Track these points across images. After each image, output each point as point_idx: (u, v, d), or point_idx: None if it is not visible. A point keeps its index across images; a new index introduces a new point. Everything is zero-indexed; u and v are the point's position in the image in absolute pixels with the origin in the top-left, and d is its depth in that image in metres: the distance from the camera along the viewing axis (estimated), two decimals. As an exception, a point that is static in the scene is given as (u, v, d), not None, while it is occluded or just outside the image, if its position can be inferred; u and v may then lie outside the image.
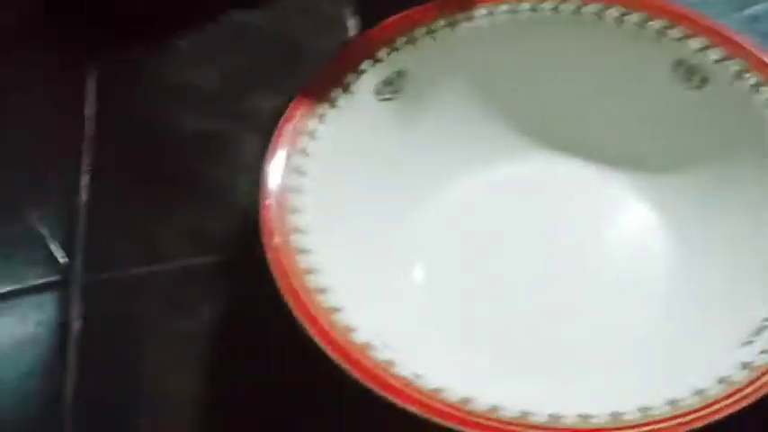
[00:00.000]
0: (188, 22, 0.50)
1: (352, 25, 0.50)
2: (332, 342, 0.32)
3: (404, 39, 0.42)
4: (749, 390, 0.31)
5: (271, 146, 0.37)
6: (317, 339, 0.32)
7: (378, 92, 0.41)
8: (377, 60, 0.41)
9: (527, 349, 0.38)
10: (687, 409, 0.31)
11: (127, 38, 0.49)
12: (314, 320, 0.33)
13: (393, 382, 0.32)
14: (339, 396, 0.34)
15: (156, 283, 0.41)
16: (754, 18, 0.51)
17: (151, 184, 0.45)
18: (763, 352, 0.33)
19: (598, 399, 0.33)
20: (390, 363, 0.32)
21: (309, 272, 0.34)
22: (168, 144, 0.46)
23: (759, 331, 0.34)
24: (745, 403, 0.31)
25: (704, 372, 0.33)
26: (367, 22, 0.47)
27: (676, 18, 0.42)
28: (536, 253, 0.41)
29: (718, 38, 0.41)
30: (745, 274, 0.38)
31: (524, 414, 0.31)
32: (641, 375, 0.36)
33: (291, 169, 0.37)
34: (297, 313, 0.33)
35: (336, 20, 0.51)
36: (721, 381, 0.32)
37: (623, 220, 0.43)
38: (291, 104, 0.39)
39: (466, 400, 0.32)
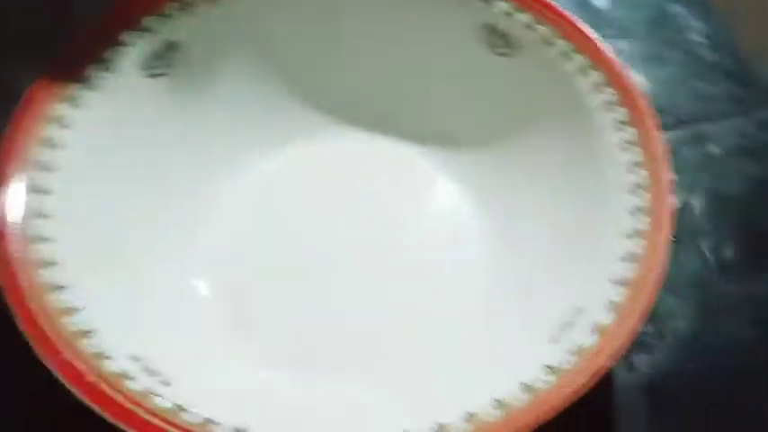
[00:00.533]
0: None
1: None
2: (74, 375, 0.27)
3: (176, 4, 0.36)
4: (554, 399, 0.28)
5: (3, 150, 0.31)
6: (59, 374, 0.27)
7: (145, 66, 0.35)
8: (143, 30, 0.35)
9: (317, 352, 0.34)
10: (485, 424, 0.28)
11: None
12: (54, 351, 0.27)
13: (148, 417, 0.27)
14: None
15: None
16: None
17: None
18: (571, 353, 0.29)
19: (390, 411, 0.29)
20: (145, 394, 0.27)
21: (54, 289, 0.29)
22: None
23: (564, 327, 0.31)
24: (550, 415, 0.28)
25: (506, 377, 0.29)
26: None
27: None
28: (342, 244, 0.37)
29: (526, 2, 0.37)
30: (556, 257, 0.35)
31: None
32: (439, 380, 0.32)
33: (35, 166, 0.31)
34: (33, 342, 0.28)
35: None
36: (524, 388, 0.28)
37: (434, 201, 0.39)
38: (31, 87, 0.33)
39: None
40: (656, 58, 0.46)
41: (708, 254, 0.39)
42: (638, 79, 0.44)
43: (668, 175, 0.33)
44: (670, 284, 0.37)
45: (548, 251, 0.35)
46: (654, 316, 0.37)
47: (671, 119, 0.43)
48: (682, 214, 0.40)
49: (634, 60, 0.45)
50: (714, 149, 0.43)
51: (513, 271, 0.35)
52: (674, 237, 0.38)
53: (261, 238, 0.37)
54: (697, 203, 0.41)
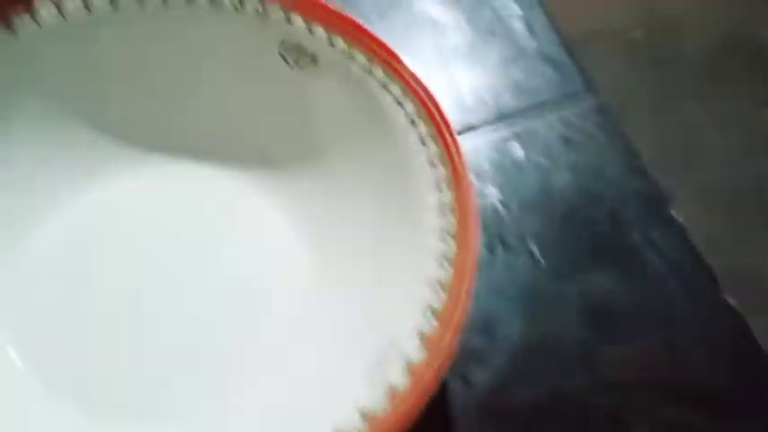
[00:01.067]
0: None
1: None
2: None
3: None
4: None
5: None
6: None
7: None
8: None
9: (131, 396, 0.33)
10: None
11: None
12: None
13: None
14: None
15: None
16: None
17: None
18: (383, 394, 0.29)
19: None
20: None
21: None
22: None
23: (379, 363, 0.30)
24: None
25: (318, 421, 0.29)
26: None
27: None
28: (157, 281, 0.36)
29: (323, 16, 0.36)
30: (370, 284, 0.34)
31: None
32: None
33: None
34: None
35: None
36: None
37: (250, 227, 0.38)
38: None
39: None
40: (476, 48, 0.45)
41: (537, 254, 0.39)
42: (457, 73, 0.44)
43: (472, 194, 0.32)
44: (499, 289, 0.37)
45: (360, 278, 0.34)
46: (486, 324, 0.37)
47: (493, 113, 0.43)
48: (506, 215, 0.40)
49: (457, 53, 0.44)
50: (539, 143, 0.42)
51: (332, 303, 0.34)
52: (502, 239, 0.38)
53: (70, 295, 0.35)
54: (517, 203, 0.40)
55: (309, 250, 0.36)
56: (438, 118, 0.33)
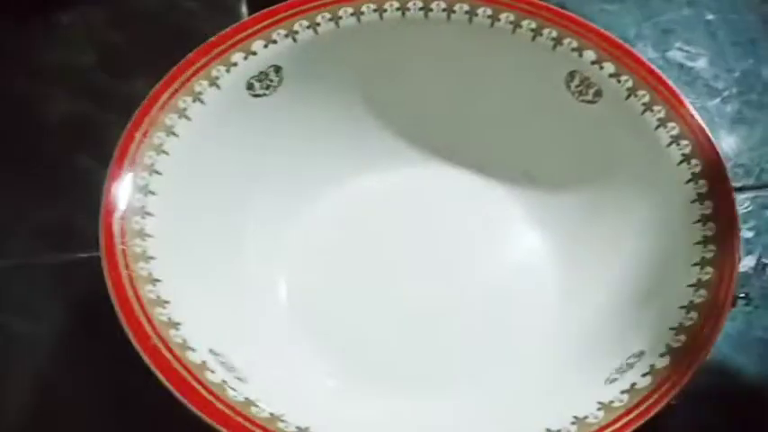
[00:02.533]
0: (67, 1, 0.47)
1: (246, 14, 0.47)
2: (160, 360, 0.30)
3: (282, 31, 0.39)
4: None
5: (119, 148, 0.34)
6: (145, 357, 0.30)
7: (250, 87, 0.38)
8: (250, 53, 0.38)
9: (387, 368, 0.36)
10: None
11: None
12: (145, 337, 0.30)
13: (221, 407, 0.29)
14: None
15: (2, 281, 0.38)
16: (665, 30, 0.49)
17: (10, 172, 0.41)
18: (623, 392, 0.31)
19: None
20: (222, 386, 0.30)
21: (148, 281, 0.32)
22: (34, 128, 0.43)
23: (623, 369, 0.32)
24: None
25: (561, 411, 0.31)
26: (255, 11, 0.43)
27: (572, 27, 0.39)
28: (415, 267, 0.39)
29: (613, 51, 0.39)
30: (623, 303, 0.36)
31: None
32: (500, 408, 0.33)
33: (142, 168, 0.34)
34: (126, 326, 0.30)
35: (229, 7, 0.48)
36: (575, 421, 0.30)
37: (508, 238, 0.41)
38: (149, 96, 0.36)
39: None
40: (744, 118, 0.46)
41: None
42: (724, 138, 0.45)
43: (737, 233, 0.34)
44: (739, 343, 0.38)
45: (614, 297, 0.36)
46: (721, 371, 0.38)
47: (754, 179, 0.44)
48: (757, 274, 0.41)
49: (723, 119, 0.46)
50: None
51: (581, 312, 0.36)
52: (747, 296, 0.39)
53: (343, 255, 0.39)
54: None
55: (561, 263, 0.39)
56: (713, 157, 0.35)
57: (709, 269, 0.33)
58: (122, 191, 0.33)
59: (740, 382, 0.38)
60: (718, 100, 0.47)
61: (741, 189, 0.43)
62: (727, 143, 0.45)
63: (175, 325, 0.31)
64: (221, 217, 0.36)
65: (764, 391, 0.38)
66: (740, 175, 0.44)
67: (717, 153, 0.36)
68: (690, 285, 0.33)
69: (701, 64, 0.48)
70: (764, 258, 0.41)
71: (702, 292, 0.32)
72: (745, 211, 0.43)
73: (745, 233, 0.42)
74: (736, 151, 0.45)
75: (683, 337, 0.31)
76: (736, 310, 0.40)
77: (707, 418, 0.37)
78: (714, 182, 0.35)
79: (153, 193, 0.34)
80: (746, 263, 0.41)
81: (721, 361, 0.38)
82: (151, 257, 0.32)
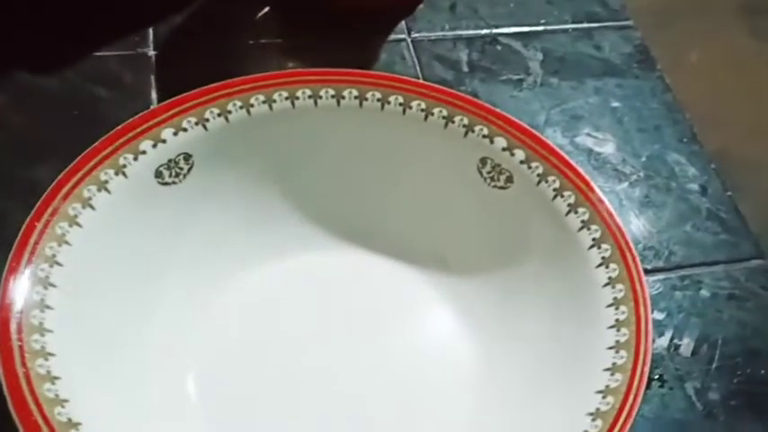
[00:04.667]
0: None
1: (155, 99, 0.47)
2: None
3: (192, 119, 0.38)
4: None
5: (12, 256, 0.33)
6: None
7: (158, 175, 0.37)
8: (159, 141, 0.37)
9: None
10: None
11: None
12: (40, 438, 0.28)
13: None
14: None
15: None
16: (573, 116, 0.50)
17: None
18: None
19: None
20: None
21: (48, 379, 0.30)
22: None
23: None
24: None
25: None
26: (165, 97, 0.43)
27: (482, 114, 0.40)
28: (330, 354, 0.38)
29: (523, 138, 0.40)
30: (538, 387, 0.35)
31: None
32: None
33: (37, 280, 0.33)
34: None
35: (138, 90, 0.47)
36: None
37: (425, 321, 0.41)
38: (52, 186, 0.35)
39: None
40: (651, 202, 0.47)
41: (693, 397, 0.40)
42: (633, 222, 0.46)
43: (648, 315, 0.34)
44: (656, 426, 0.38)
45: (531, 381, 0.35)
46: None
47: (663, 262, 0.45)
48: (670, 355, 0.41)
49: (631, 203, 0.47)
50: (705, 294, 0.44)
51: (498, 399, 0.36)
52: (661, 377, 0.40)
53: (254, 344, 0.38)
54: (685, 345, 0.42)
55: (477, 345, 0.38)
56: (622, 241, 0.36)
57: (623, 353, 0.33)
58: (20, 286, 0.32)
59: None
60: (626, 184, 0.48)
61: (651, 271, 0.44)
62: (635, 226, 0.46)
63: (75, 425, 0.29)
64: (126, 311, 0.35)
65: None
66: (650, 258, 0.45)
67: (626, 238, 0.36)
68: (605, 369, 0.33)
69: (608, 149, 0.49)
70: (676, 340, 0.42)
71: (618, 375, 0.32)
72: (656, 292, 0.43)
73: (657, 315, 0.42)
74: (645, 234, 0.46)
75: (599, 423, 0.31)
76: (651, 392, 0.40)
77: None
78: (624, 266, 0.35)
79: (53, 285, 0.33)
80: (659, 344, 0.41)
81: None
82: (51, 354, 0.31)
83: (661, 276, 0.44)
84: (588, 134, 0.50)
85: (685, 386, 0.40)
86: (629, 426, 0.31)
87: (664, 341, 0.42)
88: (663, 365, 0.41)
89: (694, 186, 0.48)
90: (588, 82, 0.53)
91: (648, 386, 0.40)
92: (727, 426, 0.39)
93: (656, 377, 0.40)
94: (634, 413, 0.31)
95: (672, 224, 0.46)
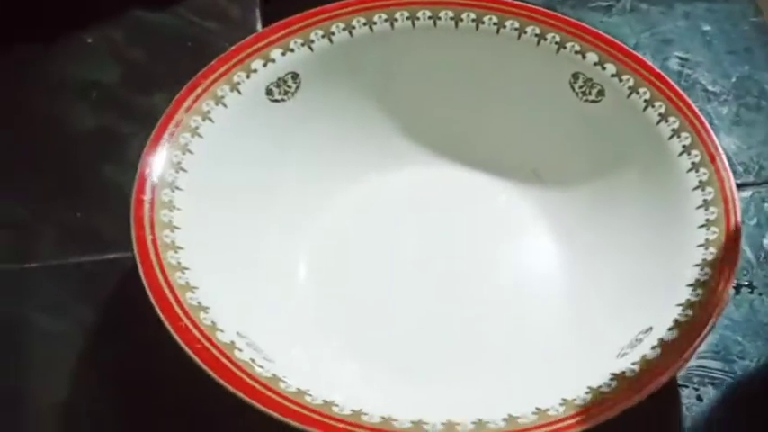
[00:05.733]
0: (88, 21, 0.49)
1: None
2: (191, 341, 0.31)
3: (299, 40, 0.41)
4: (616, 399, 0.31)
5: (150, 140, 0.36)
6: (177, 336, 0.31)
7: (269, 92, 0.40)
8: (269, 60, 0.40)
9: (407, 353, 0.37)
10: (553, 419, 0.30)
11: (20, 38, 0.48)
12: (176, 318, 0.32)
13: (251, 382, 0.30)
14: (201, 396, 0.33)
15: (32, 281, 0.40)
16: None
17: (41, 180, 0.43)
18: (634, 363, 0.32)
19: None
20: (250, 364, 0.31)
21: (177, 269, 0.33)
22: (62, 140, 0.45)
23: (634, 344, 0.33)
24: (612, 413, 0.30)
25: (575, 382, 0.32)
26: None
27: (574, 32, 0.41)
28: (429, 259, 0.41)
29: (614, 53, 0.41)
30: (631, 286, 0.37)
31: (387, 420, 0.30)
32: (518, 387, 0.35)
33: (170, 165, 0.36)
34: (159, 311, 0.32)
35: (245, 23, 0.50)
36: (589, 391, 0.31)
37: (518, 231, 0.42)
38: (175, 100, 0.38)
39: (328, 404, 0.30)
40: (742, 120, 0.48)
41: (781, 302, 0.41)
42: (723, 138, 0.47)
43: (737, 215, 0.35)
44: (742, 329, 0.40)
45: (624, 279, 0.37)
46: (725, 356, 0.39)
47: (754, 176, 0.46)
48: (759, 264, 0.42)
49: (721, 121, 0.48)
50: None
51: (593, 294, 0.38)
52: (750, 284, 0.41)
53: (360, 246, 0.41)
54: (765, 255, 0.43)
55: (570, 251, 0.40)
56: (710, 144, 0.37)
57: (712, 249, 0.35)
58: (152, 178, 0.35)
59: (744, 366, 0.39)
60: (716, 103, 0.49)
61: (742, 186, 0.45)
62: (726, 143, 0.47)
63: (204, 309, 0.32)
64: (244, 209, 0.38)
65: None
66: (740, 173, 0.46)
67: (715, 142, 0.37)
68: (695, 265, 0.34)
69: (698, 71, 0.50)
70: (766, 248, 0.43)
71: (707, 270, 0.34)
72: (746, 205, 0.44)
73: (747, 226, 0.43)
74: (735, 150, 0.46)
75: (689, 312, 0.33)
76: (740, 297, 0.41)
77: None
78: (714, 169, 0.37)
79: (180, 188, 0.36)
80: (749, 253, 0.42)
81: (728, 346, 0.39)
82: (180, 247, 0.34)
83: (751, 190, 0.45)
84: (678, 57, 0.51)
85: (775, 293, 0.41)
86: (718, 313, 0.32)
87: (754, 250, 0.43)
88: (752, 273, 0.42)
89: (785, 105, 0.49)
90: (677, 6, 0.53)
91: (738, 291, 0.41)
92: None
93: (746, 284, 0.42)
94: (723, 303, 0.33)
95: (762, 141, 0.47)
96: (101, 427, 0.36)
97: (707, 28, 0.52)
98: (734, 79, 0.50)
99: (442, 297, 0.39)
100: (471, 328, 0.39)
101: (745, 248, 0.43)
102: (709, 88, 0.49)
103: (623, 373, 0.32)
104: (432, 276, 0.40)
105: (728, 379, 0.39)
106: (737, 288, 0.41)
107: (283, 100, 0.40)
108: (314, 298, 0.38)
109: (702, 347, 0.36)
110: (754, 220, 0.44)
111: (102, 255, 0.41)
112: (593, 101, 0.41)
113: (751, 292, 0.41)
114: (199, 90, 0.38)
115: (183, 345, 0.31)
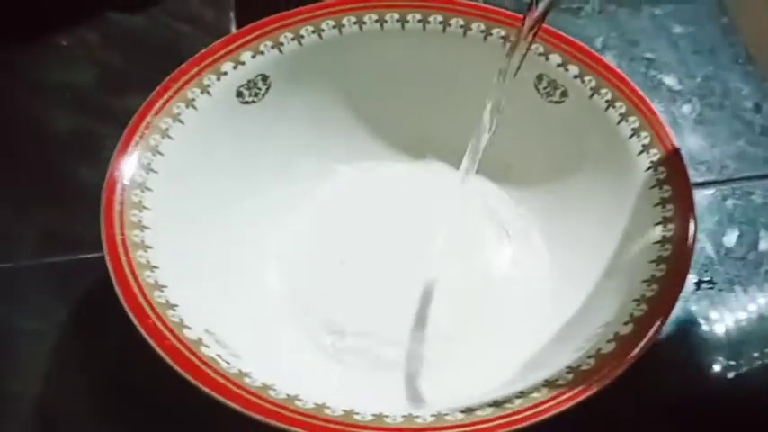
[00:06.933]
0: (64, 24, 0.50)
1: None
2: (159, 338, 0.32)
3: (269, 43, 0.42)
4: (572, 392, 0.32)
5: (120, 142, 0.37)
6: (145, 333, 0.32)
7: (239, 94, 0.41)
8: (239, 63, 0.41)
9: (376, 349, 0.38)
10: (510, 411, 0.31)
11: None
12: (145, 316, 0.32)
13: (217, 378, 0.31)
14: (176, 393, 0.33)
15: (8, 282, 0.40)
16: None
17: (16, 181, 0.44)
18: (590, 357, 0.33)
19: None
20: (216, 360, 0.32)
21: (146, 267, 0.34)
22: (38, 141, 0.46)
23: (591, 339, 0.34)
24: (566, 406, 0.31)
25: (534, 377, 0.33)
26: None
27: (539, 34, 0.42)
28: (398, 255, 0.42)
29: (577, 55, 0.42)
30: (599, 281, 0.38)
31: (349, 413, 0.31)
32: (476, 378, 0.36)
33: (140, 166, 0.37)
34: (128, 308, 0.33)
35: (218, 26, 0.51)
36: (546, 384, 0.32)
37: (487, 224, 0.43)
38: (146, 102, 0.38)
39: (291, 399, 0.31)
40: (706, 120, 0.49)
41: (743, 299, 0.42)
42: (687, 137, 0.48)
43: (693, 212, 0.36)
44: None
45: (585, 273, 0.38)
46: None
47: (716, 175, 0.47)
48: (720, 260, 0.43)
49: (685, 120, 0.49)
50: (756, 202, 0.46)
51: (566, 287, 0.39)
52: (711, 281, 0.42)
53: (331, 241, 0.42)
54: (735, 251, 0.44)
55: (544, 246, 0.42)
56: (669, 143, 0.38)
57: (668, 246, 0.36)
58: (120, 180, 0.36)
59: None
60: (680, 103, 0.50)
61: (704, 184, 0.46)
62: (689, 142, 0.48)
63: (173, 306, 0.33)
64: (214, 209, 0.39)
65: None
66: (702, 171, 0.47)
67: (674, 142, 0.39)
68: (651, 261, 0.36)
69: (663, 71, 0.51)
70: (726, 245, 0.44)
71: (663, 266, 0.35)
72: (708, 203, 0.45)
73: (708, 223, 0.44)
74: (698, 149, 0.48)
75: (644, 307, 0.34)
76: (700, 293, 0.42)
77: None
78: (672, 168, 0.38)
79: (149, 189, 0.36)
80: (709, 249, 0.44)
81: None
82: (149, 246, 0.35)
83: (713, 189, 0.46)
84: (644, 57, 0.52)
85: (734, 288, 0.42)
86: (672, 307, 0.33)
87: (715, 247, 0.44)
88: (713, 269, 0.43)
89: (748, 104, 0.50)
90: (645, 8, 0.54)
91: (698, 287, 0.42)
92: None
93: (707, 279, 0.43)
94: (677, 296, 0.34)
95: (725, 140, 0.48)
96: (80, 426, 0.37)
97: (673, 29, 0.54)
98: (698, 79, 0.51)
99: (411, 293, 0.40)
100: (440, 323, 0.39)
101: (706, 245, 0.44)
102: (674, 88, 0.50)
103: (579, 366, 0.33)
104: (402, 272, 0.41)
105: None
106: (698, 284, 0.42)
107: (253, 102, 0.41)
108: (282, 294, 0.39)
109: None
110: (716, 218, 0.45)
111: (78, 255, 0.41)
112: (557, 101, 0.42)
113: (711, 288, 0.42)
114: (169, 92, 0.39)
115: (151, 341, 0.32)
